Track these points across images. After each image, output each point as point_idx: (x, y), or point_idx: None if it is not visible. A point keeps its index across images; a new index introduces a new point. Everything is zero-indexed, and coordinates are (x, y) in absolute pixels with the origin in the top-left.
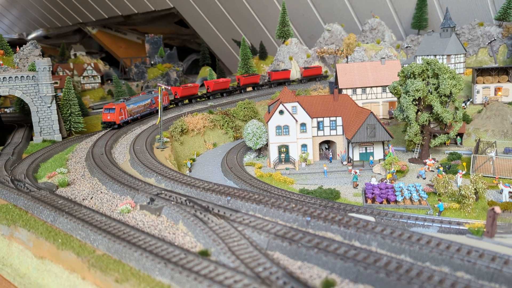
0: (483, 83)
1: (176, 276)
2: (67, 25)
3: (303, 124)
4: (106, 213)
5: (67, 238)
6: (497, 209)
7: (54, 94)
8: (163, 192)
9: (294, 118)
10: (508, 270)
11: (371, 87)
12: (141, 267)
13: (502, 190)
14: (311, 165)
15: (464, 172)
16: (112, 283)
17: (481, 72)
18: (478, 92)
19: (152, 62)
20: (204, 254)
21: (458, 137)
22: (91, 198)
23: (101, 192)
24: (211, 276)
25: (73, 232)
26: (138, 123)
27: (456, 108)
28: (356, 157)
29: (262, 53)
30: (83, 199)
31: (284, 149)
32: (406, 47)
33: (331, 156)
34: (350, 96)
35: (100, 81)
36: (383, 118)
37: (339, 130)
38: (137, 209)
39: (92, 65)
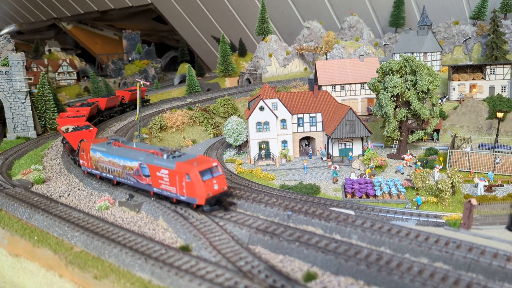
0: (459, 80)
1: (156, 272)
2: (41, 20)
3: (283, 121)
4: (84, 210)
5: (43, 235)
6: (474, 202)
7: (28, 90)
8: None
9: (274, 114)
10: (485, 260)
11: (350, 84)
12: (121, 263)
13: (477, 183)
14: (291, 161)
15: (440, 167)
16: (90, 280)
17: (457, 69)
18: (453, 89)
19: (130, 59)
20: (185, 249)
21: (435, 133)
22: (68, 195)
23: (78, 189)
24: (192, 271)
25: (50, 229)
26: (115, 119)
27: (433, 105)
28: (336, 153)
29: (242, 50)
30: (60, 196)
31: (264, 145)
32: (384, 44)
33: (311, 152)
34: (330, 93)
35: (76, 77)
36: (362, 115)
37: (319, 126)
38: (115, 206)
39: (68, 61)
